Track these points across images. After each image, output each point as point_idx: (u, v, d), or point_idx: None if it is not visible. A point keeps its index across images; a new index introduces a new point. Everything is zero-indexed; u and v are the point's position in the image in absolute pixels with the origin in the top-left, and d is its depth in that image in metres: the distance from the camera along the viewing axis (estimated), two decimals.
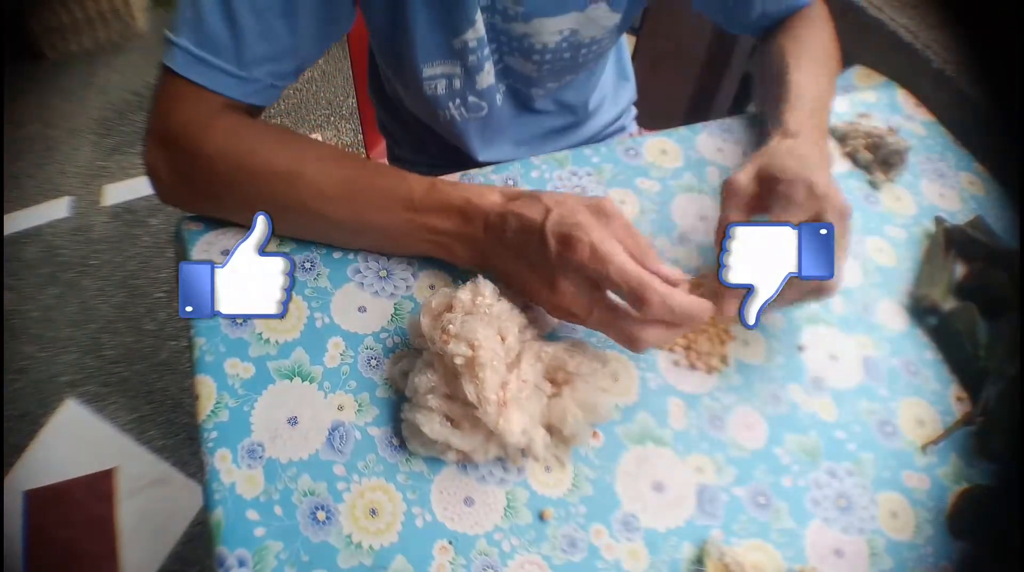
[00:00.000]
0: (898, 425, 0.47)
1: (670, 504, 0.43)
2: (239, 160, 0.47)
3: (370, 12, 0.58)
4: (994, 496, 0.43)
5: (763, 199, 0.46)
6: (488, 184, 0.56)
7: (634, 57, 1.25)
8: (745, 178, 0.46)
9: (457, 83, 0.62)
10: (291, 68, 0.52)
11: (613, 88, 0.79)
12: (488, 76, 0.61)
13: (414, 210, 0.47)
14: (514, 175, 0.57)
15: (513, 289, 0.46)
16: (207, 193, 0.49)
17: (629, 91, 0.83)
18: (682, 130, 0.62)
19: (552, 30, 0.57)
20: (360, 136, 1.55)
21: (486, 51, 0.59)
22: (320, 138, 1.75)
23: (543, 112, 0.71)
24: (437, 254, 0.48)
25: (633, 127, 0.85)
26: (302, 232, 0.51)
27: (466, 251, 0.47)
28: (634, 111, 0.85)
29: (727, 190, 0.46)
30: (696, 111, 1.21)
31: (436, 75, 0.61)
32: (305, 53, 0.52)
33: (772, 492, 0.44)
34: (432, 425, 0.41)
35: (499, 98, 0.65)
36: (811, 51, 0.58)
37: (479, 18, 0.55)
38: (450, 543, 0.40)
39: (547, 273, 0.42)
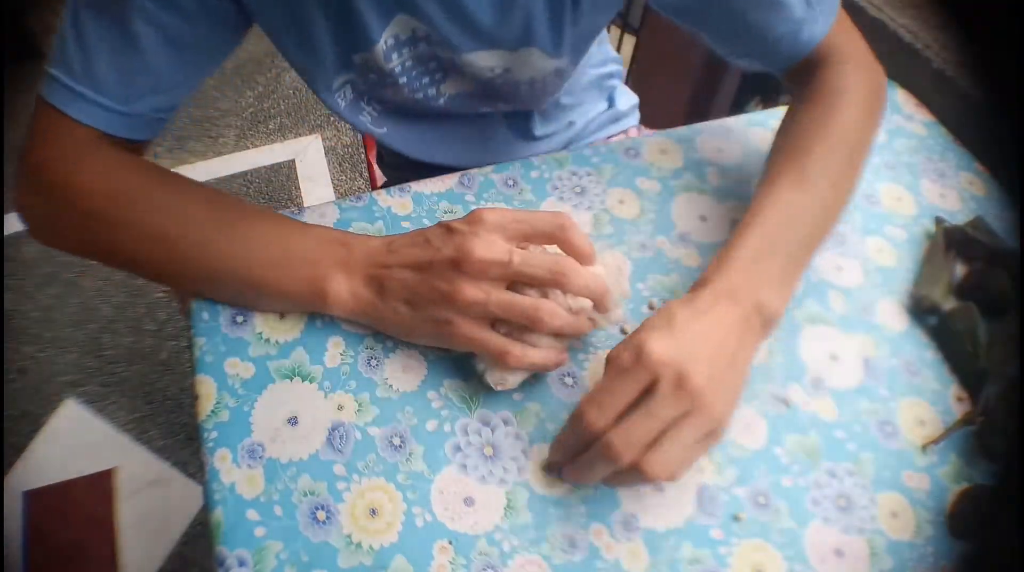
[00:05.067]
0: (898, 425, 0.47)
1: (670, 504, 0.43)
2: (112, 202, 0.45)
3: (274, 36, 0.53)
4: (994, 496, 0.43)
5: None
6: (488, 183, 0.56)
7: (634, 57, 1.26)
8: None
9: (361, 85, 0.58)
10: (174, 102, 0.50)
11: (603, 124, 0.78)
12: (421, 90, 0.59)
13: (295, 233, 0.46)
14: (514, 175, 0.57)
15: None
16: (79, 234, 0.48)
17: (620, 127, 0.81)
18: (682, 130, 0.62)
19: (481, 64, 0.55)
20: (359, 136, 1.54)
21: (413, 75, 0.57)
22: (320, 138, 1.75)
23: (495, 118, 0.69)
24: (310, 297, 0.45)
25: (634, 130, 0.84)
26: (179, 279, 0.49)
27: (345, 277, 0.45)
28: (637, 115, 0.84)
29: None
30: (696, 111, 1.21)
31: (341, 84, 0.58)
32: (186, 85, 0.50)
33: (772, 492, 0.44)
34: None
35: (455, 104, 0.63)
36: (815, 152, 0.48)
37: (379, 48, 0.52)
38: (450, 543, 0.40)
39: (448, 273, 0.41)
